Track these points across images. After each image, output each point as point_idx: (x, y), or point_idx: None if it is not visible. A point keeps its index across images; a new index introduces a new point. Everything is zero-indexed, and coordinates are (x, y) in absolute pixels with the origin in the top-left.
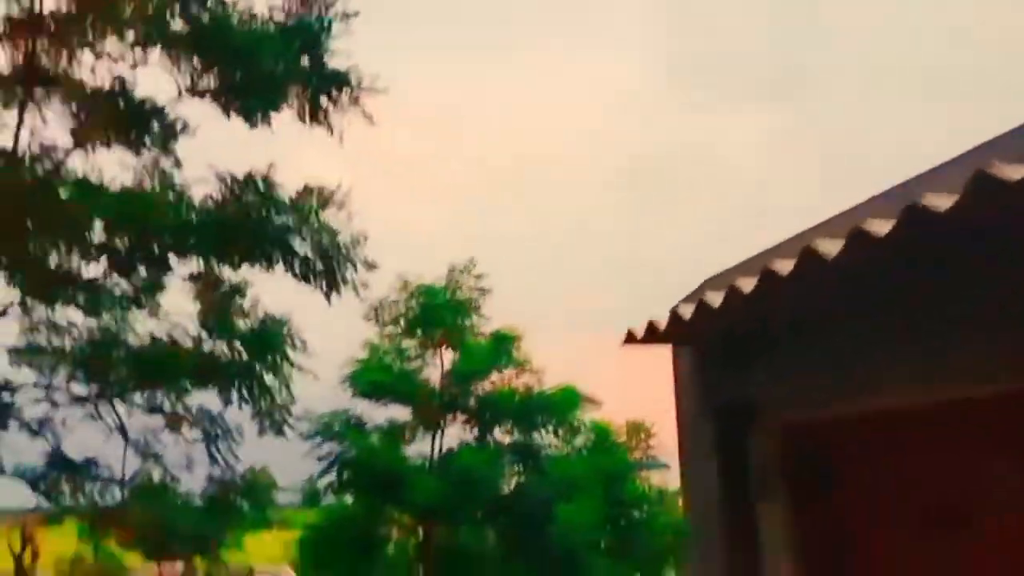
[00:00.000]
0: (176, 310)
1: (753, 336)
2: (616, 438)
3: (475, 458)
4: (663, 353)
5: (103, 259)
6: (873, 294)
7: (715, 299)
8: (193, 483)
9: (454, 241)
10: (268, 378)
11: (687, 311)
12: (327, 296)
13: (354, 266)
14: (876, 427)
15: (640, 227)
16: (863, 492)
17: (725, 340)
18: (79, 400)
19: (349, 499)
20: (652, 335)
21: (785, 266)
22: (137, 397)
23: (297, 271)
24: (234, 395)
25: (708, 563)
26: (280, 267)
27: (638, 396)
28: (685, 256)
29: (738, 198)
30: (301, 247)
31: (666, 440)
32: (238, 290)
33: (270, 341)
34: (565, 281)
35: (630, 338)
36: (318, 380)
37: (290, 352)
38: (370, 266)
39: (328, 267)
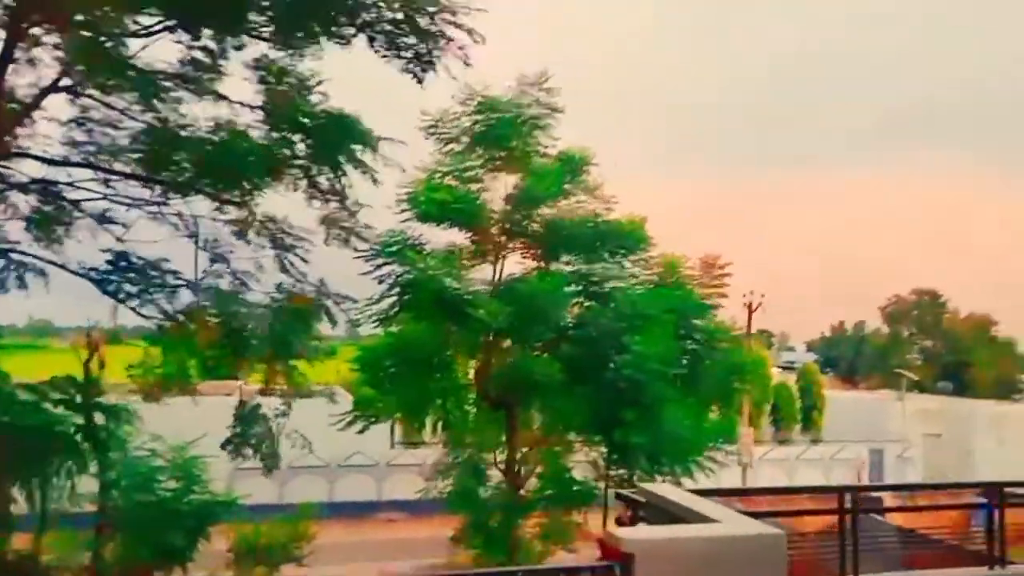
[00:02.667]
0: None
1: None
2: (685, 273)
3: (542, 283)
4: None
5: (155, 26)
6: None
7: None
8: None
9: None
10: (343, 175)
11: None
12: (419, 76)
13: (442, 36)
14: None
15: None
16: None
17: None
18: (142, 199)
19: (406, 324)
20: None
21: None
22: (202, 196)
23: (382, 43)
24: (304, 193)
25: None
26: (360, 42)
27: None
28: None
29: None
30: (388, 11)
31: (737, 279)
32: (305, 82)
33: (347, 132)
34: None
35: None
36: (404, 172)
37: (364, 152)
38: (477, 37)
39: (421, 37)
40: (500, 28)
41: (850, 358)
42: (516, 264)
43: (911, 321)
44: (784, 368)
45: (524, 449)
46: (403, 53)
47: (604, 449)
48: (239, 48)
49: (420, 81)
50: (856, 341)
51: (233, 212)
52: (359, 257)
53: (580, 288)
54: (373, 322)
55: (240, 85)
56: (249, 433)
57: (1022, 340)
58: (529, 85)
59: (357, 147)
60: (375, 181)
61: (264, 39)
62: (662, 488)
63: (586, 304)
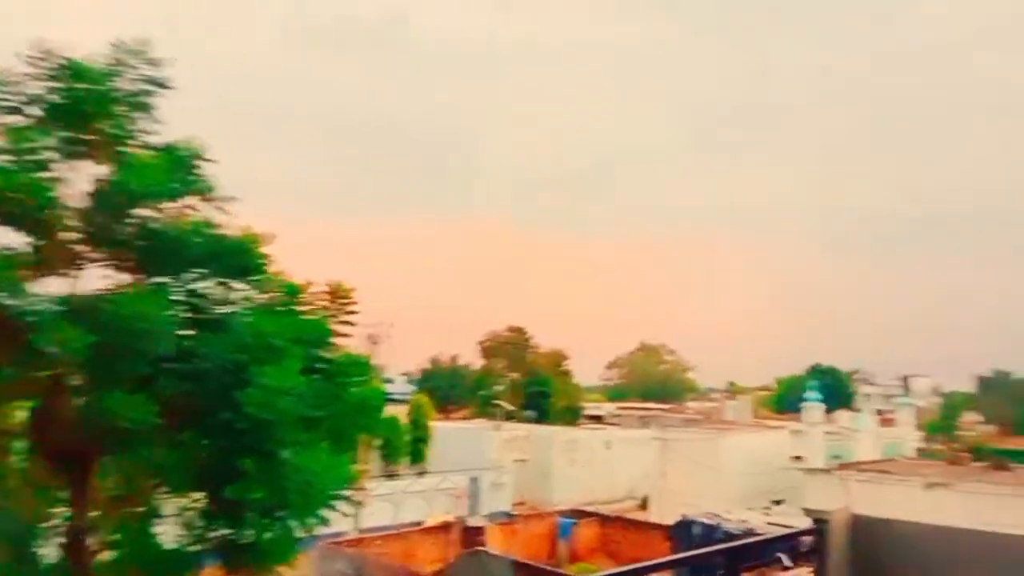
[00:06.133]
0: None
1: None
2: (310, 298)
3: (136, 303)
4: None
5: None
6: None
7: None
8: None
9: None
10: None
11: None
12: None
13: None
14: None
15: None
16: None
17: None
18: None
19: None
20: None
21: None
22: None
23: None
24: None
25: None
26: None
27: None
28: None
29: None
30: None
31: (368, 306)
32: None
33: None
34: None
35: None
36: None
37: None
38: None
39: None
40: None
41: (445, 389)
42: (101, 278)
43: (503, 355)
44: (387, 399)
45: (96, 514)
46: None
47: (202, 506)
48: None
49: None
50: (450, 373)
51: None
52: None
53: (187, 311)
54: None
55: None
56: None
57: (580, 370)
58: (128, 53)
59: None
60: None
61: None
62: None
63: (194, 331)
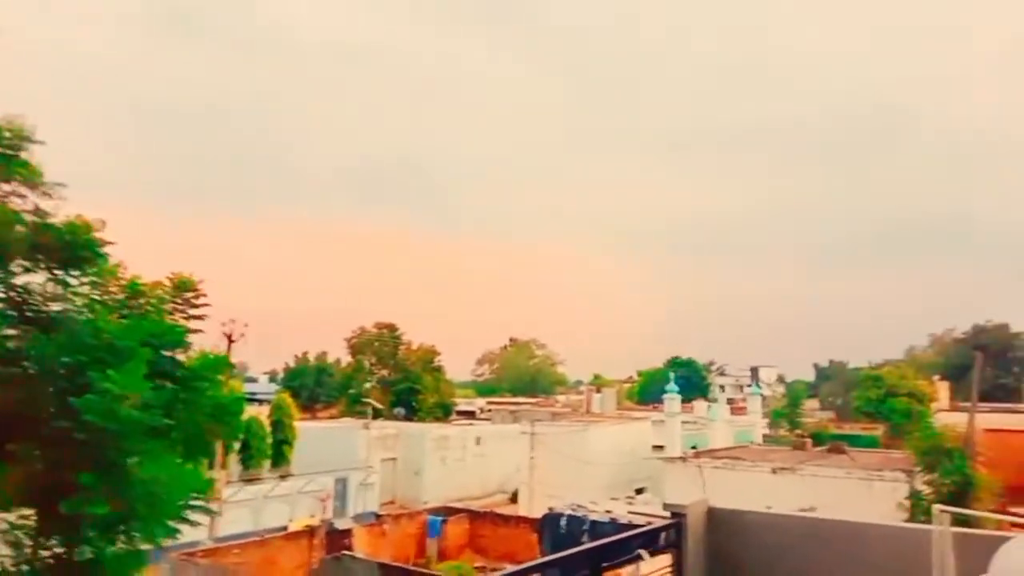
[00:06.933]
0: None
1: None
2: (155, 297)
3: None
4: None
5: None
6: None
7: None
8: None
9: None
10: None
11: None
12: None
13: None
14: None
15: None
16: None
17: None
18: None
19: None
20: None
21: None
22: None
23: None
24: None
25: None
26: None
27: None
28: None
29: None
30: None
31: (217, 300)
32: None
33: None
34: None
35: None
36: None
37: None
38: None
39: None
40: None
41: (312, 388)
42: None
43: (372, 352)
44: (248, 400)
45: None
46: None
47: (32, 523)
48: None
49: None
50: (317, 371)
51: None
52: None
53: (12, 309)
54: None
55: None
56: None
57: (451, 366)
58: None
59: None
60: None
61: None
62: None
63: (21, 331)
